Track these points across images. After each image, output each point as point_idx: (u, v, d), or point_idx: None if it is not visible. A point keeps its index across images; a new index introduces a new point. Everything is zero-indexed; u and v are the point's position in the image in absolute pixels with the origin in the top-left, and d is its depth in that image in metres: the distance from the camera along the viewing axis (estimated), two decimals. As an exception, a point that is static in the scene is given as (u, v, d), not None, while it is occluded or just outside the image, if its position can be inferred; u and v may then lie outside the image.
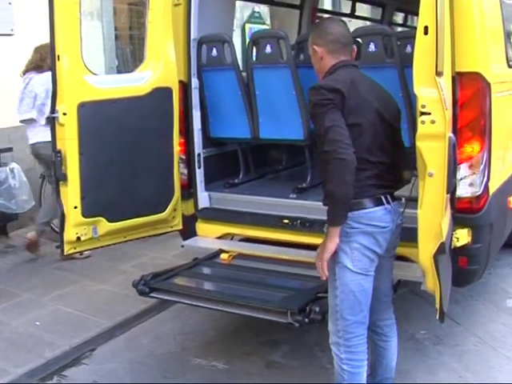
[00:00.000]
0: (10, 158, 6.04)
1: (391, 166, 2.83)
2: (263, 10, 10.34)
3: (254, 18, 10.39)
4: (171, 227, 4.14)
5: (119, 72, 8.03)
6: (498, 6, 3.59)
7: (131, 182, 3.81)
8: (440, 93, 2.54)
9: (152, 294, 3.57)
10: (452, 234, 3.01)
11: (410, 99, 3.50)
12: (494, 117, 3.22)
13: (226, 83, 4.21)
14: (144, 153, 3.84)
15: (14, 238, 6.28)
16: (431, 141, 2.57)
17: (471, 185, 3.20)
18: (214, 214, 4.21)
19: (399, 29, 7.82)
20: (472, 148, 3.17)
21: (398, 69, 3.71)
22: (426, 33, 2.56)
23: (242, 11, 9.94)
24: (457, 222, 3.07)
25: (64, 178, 3.52)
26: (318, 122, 2.66)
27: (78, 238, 3.63)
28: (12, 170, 5.86)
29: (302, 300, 3.13)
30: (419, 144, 2.60)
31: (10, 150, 6.06)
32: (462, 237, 3.16)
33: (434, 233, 2.59)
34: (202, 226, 4.23)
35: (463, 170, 3.17)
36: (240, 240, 4.31)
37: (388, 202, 2.78)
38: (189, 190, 4.20)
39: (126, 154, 3.77)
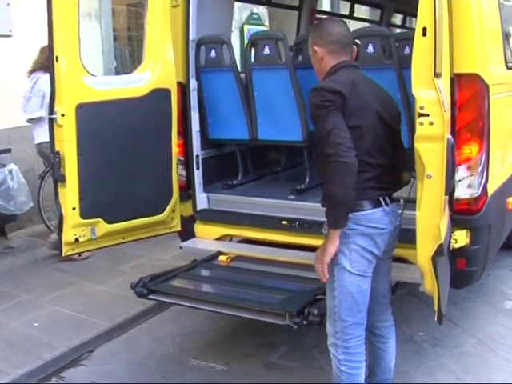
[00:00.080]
0: (8, 158, 6.03)
1: (390, 168, 2.82)
2: (262, 11, 10.34)
3: (253, 19, 10.40)
4: (170, 228, 4.14)
5: (117, 73, 8.02)
6: (497, 7, 3.59)
7: (130, 184, 3.81)
8: (438, 94, 2.54)
9: (150, 296, 3.56)
10: (450, 236, 3.01)
11: (409, 101, 3.50)
12: (493, 118, 3.22)
13: (224, 84, 4.21)
14: (142, 154, 3.83)
15: (13, 239, 6.28)
16: (429, 142, 2.57)
17: (469, 186, 3.20)
18: (213, 216, 4.21)
19: (398, 30, 7.82)
20: (470, 149, 3.17)
21: (396, 70, 3.70)
22: (424, 34, 2.57)
23: (240, 12, 9.94)
24: (455, 223, 3.08)
25: (62, 179, 3.52)
26: (319, 124, 2.65)
27: (77, 240, 3.62)
28: (10, 171, 5.86)
29: (300, 302, 3.13)
30: (417, 145, 2.60)
31: (8, 151, 6.07)
32: (461, 238, 3.16)
33: (433, 234, 2.59)
34: (200, 228, 4.22)
35: (461, 172, 3.17)
36: (238, 241, 4.31)
37: (386, 204, 2.78)
38: (187, 192, 4.20)
39: (125, 156, 3.77)
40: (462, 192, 3.19)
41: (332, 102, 2.62)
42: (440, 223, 2.58)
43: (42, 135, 5.46)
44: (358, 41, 3.77)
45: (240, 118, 4.26)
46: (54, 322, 4.40)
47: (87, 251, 4.30)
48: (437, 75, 2.54)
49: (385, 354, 3.13)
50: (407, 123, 3.51)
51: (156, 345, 4.20)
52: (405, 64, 3.30)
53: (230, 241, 4.27)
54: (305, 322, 3.00)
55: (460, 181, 3.16)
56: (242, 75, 4.25)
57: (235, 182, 4.49)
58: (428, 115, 2.56)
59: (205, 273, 3.95)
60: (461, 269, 3.28)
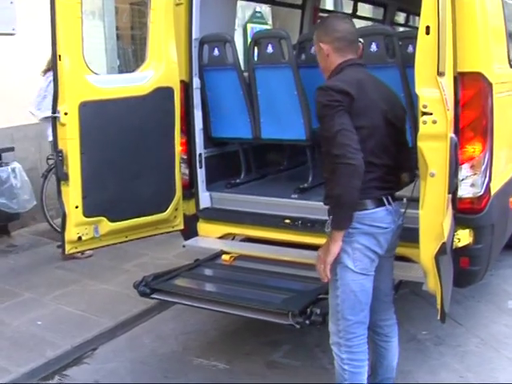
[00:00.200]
0: (11, 157, 6.05)
1: (394, 168, 2.81)
2: (265, 9, 10.34)
3: (256, 17, 10.39)
4: (172, 227, 4.14)
5: (121, 72, 8.02)
6: (500, 5, 3.59)
7: (132, 182, 3.81)
8: (442, 93, 2.53)
9: (153, 295, 3.56)
10: (453, 235, 3.01)
11: (412, 99, 3.49)
12: (496, 117, 3.22)
13: (227, 83, 4.21)
14: (145, 152, 3.84)
15: (16, 237, 6.29)
16: (433, 141, 2.57)
17: (473, 185, 3.19)
18: (216, 214, 4.21)
19: (401, 29, 7.81)
20: (474, 148, 3.16)
21: (399, 69, 3.70)
22: (427, 33, 2.56)
23: (243, 11, 9.93)
24: (458, 222, 3.07)
25: (65, 177, 3.52)
26: (326, 124, 2.63)
27: (80, 238, 3.63)
28: (14, 170, 5.88)
29: (302, 302, 3.12)
30: (421, 144, 2.60)
31: (11, 149, 6.08)
32: (464, 237, 3.16)
33: (436, 233, 2.59)
34: (203, 226, 4.22)
35: (465, 171, 3.16)
36: (241, 240, 4.31)
37: (389, 203, 2.77)
38: (190, 190, 4.20)
39: (128, 154, 3.77)
40: (465, 191, 3.18)
41: (340, 102, 2.60)
42: (443, 222, 2.58)
43: None
44: (361, 39, 3.76)
45: (243, 116, 4.25)
46: (57, 320, 4.40)
47: (90, 249, 4.29)
48: (440, 74, 2.54)
49: (387, 352, 3.12)
50: (410, 122, 3.51)
51: (159, 343, 4.21)
52: (408, 63, 3.30)
53: (233, 239, 4.27)
54: (307, 322, 2.99)
55: (463, 180, 3.16)
56: (245, 74, 4.25)
57: (238, 180, 4.48)
58: (431, 114, 2.55)
59: (207, 272, 3.95)
60: (464, 268, 3.28)
